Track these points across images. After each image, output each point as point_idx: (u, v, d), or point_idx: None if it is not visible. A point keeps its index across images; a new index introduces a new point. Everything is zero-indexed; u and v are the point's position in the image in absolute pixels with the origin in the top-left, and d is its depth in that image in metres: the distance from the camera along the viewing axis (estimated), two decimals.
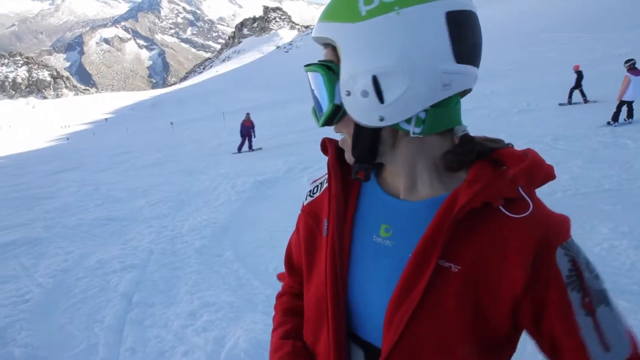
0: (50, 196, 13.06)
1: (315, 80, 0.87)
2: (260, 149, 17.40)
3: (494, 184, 0.79)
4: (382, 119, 0.81)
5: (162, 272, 5.71)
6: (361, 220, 0.95)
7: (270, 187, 9.62)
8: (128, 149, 28.00)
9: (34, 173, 19.61)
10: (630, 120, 11.11)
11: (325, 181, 1.06)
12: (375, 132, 0.85)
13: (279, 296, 1.24)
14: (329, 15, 0.84)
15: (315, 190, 1.09)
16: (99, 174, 16.74)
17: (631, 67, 11.66)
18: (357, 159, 0.88)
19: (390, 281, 0.84)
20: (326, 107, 0.86)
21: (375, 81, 0.78)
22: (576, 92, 15.82)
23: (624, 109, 11.26)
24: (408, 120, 0.82)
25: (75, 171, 18.77)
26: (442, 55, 0.77)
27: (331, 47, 0.85)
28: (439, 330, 0.80)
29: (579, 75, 16.05)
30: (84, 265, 6.29)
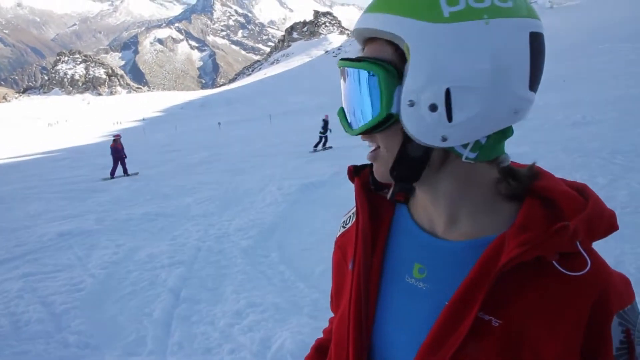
0: (102, 189, 13.56)
1: (363, 80, 0.74)
2: (136, 174, 16.54)
3: (551, 239, 0.68)
4: (444, 139, 0.71)
5: (209, 269, 5.81)
6: (392, 257, 0.86)
7: (316, 191, 9.64)
8: (177, 146, 28.71)
9: (89, 166, 20.36)
10: None
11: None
12: (427, 151, 0.74)
13: (325, 332, 1.19)
14: (396, 7, 0.71)
15: (347, 221, 1.01)
16: (148, 170, 17.23)
17: None
18: (397, 179, 0.77)
19: (422, 327, 0.77)
20: (375, 113, 0.73)
21: (448, 95, 0.68)
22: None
23: None
24: (465, 144, 0.73)
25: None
26: (521, 78, 0.70)
27: (389, 44, 0.72)
28: None
29: (326, 124, 18.34)
30: (134, 258, 6.48)
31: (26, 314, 4.85)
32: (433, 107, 0.69)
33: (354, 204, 0.97)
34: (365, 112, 0.75)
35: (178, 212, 9.24)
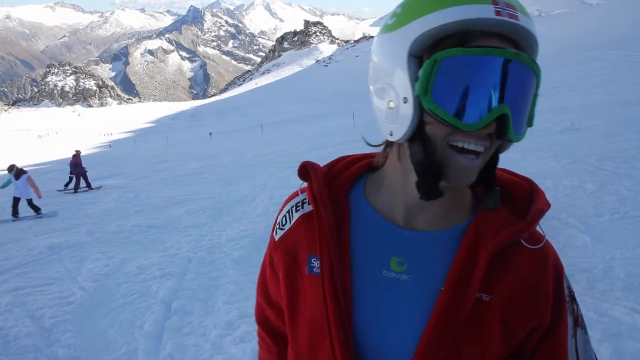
0: (92, 201, 13.48)
1: (532, 84, 0.76)
2: (100, 187, 16.61)
3: (534, 222, 0.82)
4: None
5: (201, 280, 5.78)
6: (361, 253, 0.85)
7: None
8: (168, 157, 28.60)
9: None
10: (38, 214, 11.91)
11: (295, 209, 0.95)
12: None
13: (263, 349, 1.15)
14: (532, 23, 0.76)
15: (284, 222, 0.97)
16: (139, 181, 17.16)
17: (9, 170, 13.10)
18: (486, 183, 0.81)
19: (415, 318, 0.79)
20: (526, 124, 0.77)
21: None
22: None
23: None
24: None
25: (116, 178, 19.28)
26: None
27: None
28: None
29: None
30: (124, 270, 6.43)
31: (15, 328, 4.80)
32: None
33: (285, 202, 0.99)
34: (527, 122, 0.77)
35: (169, 224, 9.20)
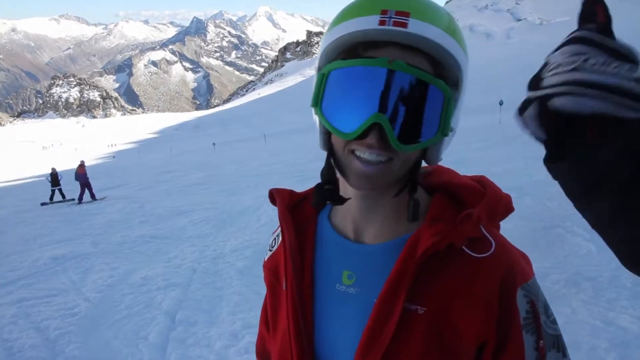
0: (97, 212, 13.50)
1: (436, 98, 0.71)
2: (104, 198, 16.71)
3: (458, 227, 0.76)
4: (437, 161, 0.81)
5: (205, 291, 5.77)
6: (321, 268, 0.89)
7: None
8: (171, 168, 28.68)
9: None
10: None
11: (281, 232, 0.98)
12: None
13: None
14: (458, 36, 0.74)
15: (273, 244, 1.03)
16: (143, 192, 17.19)
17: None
18: (410, 189, 0.79)
19: (358, 329, 0.80)
20: (432, 134, 0.73)
21: None
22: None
23: None
24: None
25: (120, 189, 19.34)
26: None
27: (444, 68, 0.73)
28: None
29: (54, 177, 17.96)
30: (128, 281, 6.44)
31: (20, 340, 4.80)
32: (451, 132, 0.76)
33: (277, 226, 1.00)
34: (427, 131, 0.72)
35: (173, 234, 9.22)
